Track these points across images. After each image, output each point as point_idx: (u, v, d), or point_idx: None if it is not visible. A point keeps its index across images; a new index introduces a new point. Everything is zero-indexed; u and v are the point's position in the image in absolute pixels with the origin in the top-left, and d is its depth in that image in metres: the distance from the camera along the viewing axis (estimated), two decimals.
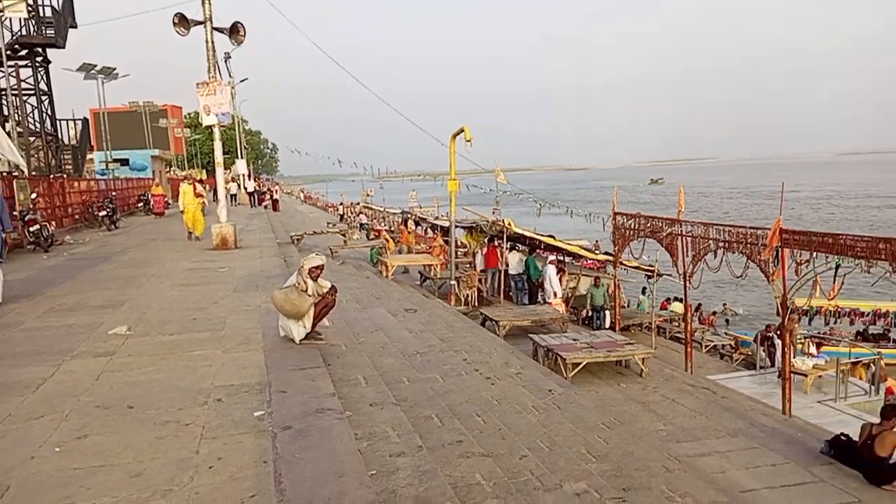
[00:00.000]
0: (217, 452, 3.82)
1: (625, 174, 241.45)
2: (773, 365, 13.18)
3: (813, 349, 14.21)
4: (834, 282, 8.91)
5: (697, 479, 5.48)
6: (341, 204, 47.47)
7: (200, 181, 20.40)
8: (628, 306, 19.41)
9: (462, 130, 14.17)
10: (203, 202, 16.92)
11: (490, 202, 29.12)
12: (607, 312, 14.93)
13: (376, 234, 19.84)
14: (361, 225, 33.79)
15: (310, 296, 6.10)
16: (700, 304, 23.33)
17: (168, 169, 50.98)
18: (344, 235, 18.52)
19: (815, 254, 9.08)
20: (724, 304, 25.29)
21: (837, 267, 8.67)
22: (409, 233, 21.19)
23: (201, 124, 16.44)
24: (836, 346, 15.37)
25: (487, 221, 17.02)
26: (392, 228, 26.40)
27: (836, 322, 18.54)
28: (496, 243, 17.28)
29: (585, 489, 4.49)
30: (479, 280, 16.24)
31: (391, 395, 5.27)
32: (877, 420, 6.92)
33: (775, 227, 9.61)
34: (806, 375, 11.92)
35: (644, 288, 19.85)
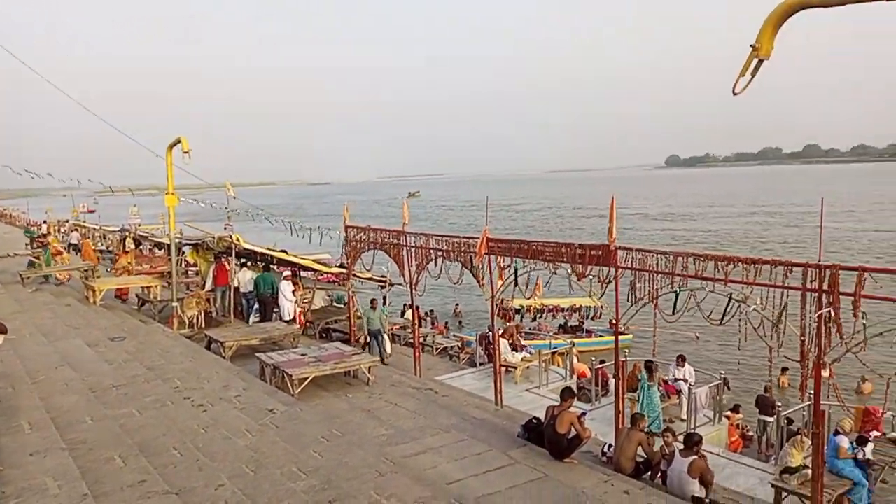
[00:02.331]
0: None
1: (369, 188, 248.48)
2: (490, 361, 14.41)
3: (524, 342, 15.93)
4: (528, 282, 10.06)
5: (408, 479, 5.70)
6: (45, 222, 40.98)
7: None
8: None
9: (179, 141, 13.12)
10: None
11: (224, 218, 27.40)
12: (385, 336, 14.24)
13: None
14: (71, 245, 29.59)
15: None
16: (433, 310, 24.82)
17: None
18: (38, 259, 15.88)
19: (514, 259, 10.16)
20: (457, 305, 27.19)
21: (516, 270, 9.79)
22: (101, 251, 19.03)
23: None
24: (543, 339, 17.46)
25: (214, 238, 15.98)
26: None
27: (542, 317, 21.11)
28: (224, 260, 16.32)
29: None
30: (208, 300, 15.18)
31: (62, 440, 4.55)
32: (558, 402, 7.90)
33: (483, 236, 10.54)
34: (516, 368, 13.32)
35: (384, 297, 20.40)
